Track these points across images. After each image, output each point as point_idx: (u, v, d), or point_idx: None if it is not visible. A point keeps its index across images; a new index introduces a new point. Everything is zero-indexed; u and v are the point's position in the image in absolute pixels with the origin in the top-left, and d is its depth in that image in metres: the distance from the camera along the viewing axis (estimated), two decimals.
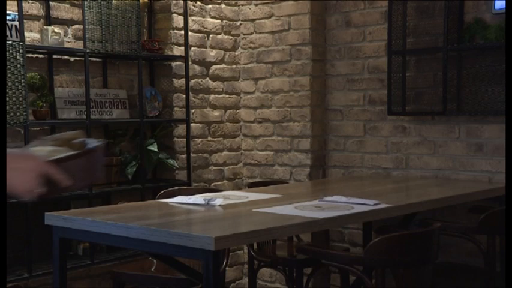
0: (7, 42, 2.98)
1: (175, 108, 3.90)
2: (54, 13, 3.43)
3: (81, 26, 3.43)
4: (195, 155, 4.04)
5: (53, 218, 2.20)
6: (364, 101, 3.88)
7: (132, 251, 3.36)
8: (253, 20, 4.23)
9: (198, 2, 4.03)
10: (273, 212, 2.23)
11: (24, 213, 3.07)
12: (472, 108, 3.37)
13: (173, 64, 3.91)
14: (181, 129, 3.92)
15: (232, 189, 4.02)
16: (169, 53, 3.87)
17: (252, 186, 3.45)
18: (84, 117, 3.40)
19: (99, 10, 3.38)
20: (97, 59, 3.61)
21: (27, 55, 3.20)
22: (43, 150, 1.48)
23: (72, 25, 3.51)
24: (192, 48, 4.00)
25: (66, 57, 3.46)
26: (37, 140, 1.56)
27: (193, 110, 4.00)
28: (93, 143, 1.59)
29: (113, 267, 3.08)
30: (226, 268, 3.39)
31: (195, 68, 4.04)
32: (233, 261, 4.19)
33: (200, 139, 4.09)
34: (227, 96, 4.24)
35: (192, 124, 3.97)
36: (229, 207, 2.41)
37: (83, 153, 1.51)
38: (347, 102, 3.95)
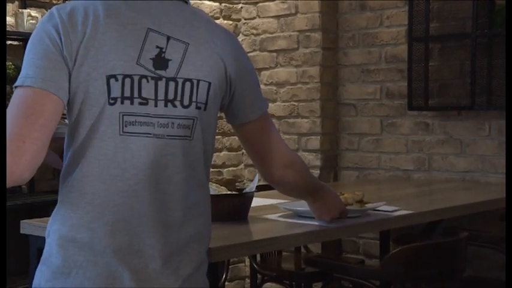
0: None
1: None
2: None
3: None
4: None
5: (30, 226, 2.20)
6: (381, 95, 3.88)
7: None
8: (256, 3, 4.23)
9: None
10: (278, 220, 2.23)
11: None
12: (504, 102, 3.36)
13: None
14: None
15: None
16: None
17: None
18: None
19: None
20: None
21: None
22: (211, 186, 2.14)
23: (51, 8, 3.51)
24: None
25: None
26: None
27: None
28: (251, 187, 2.23)
29: None
30: (226, 283, 3.39)
31: None
32: (233, 275, 4.20)
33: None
34: None
35: None
36: None
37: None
38: (362, 96, 3.94)
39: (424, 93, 3.58)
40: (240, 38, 4.30)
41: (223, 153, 4.23)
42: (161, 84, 1.41)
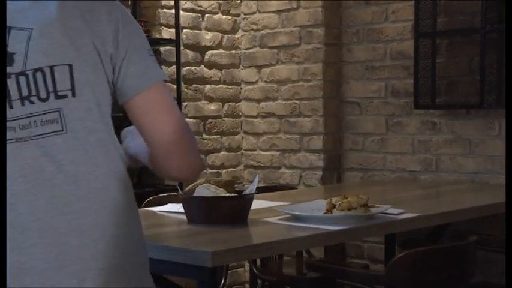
0: None
1: None
2: None
3: None
4: None
5: None
6: (386, 92, 3.88)
7: None
8: None
9: None
10: (279, 223, 2.23)
11: None
12: None
13: (162, 49, 3.91)
14: None
15: None
16: (157, 36, 3.86)
17: None
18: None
19: None
20: None
21: None
22: (209, 187, 2.17)
23: None
24: (184, 30, 4.00)
25: None
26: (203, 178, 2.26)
27: (186, 103, 4.01)
28: (251, 188, 2.20)
29: None
30: None
31: (188, 54, 4.04)
32: (232, 281, 4.20)
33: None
34: (225, 86, 4.25)
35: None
36: None
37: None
38: (366, 94, 3.95)
39: (431, 91, 3.58)
40: (240, 33, 4.30)
41: (222, 153, 4.23)
42: (11, 82, 1.32)
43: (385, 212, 2.32)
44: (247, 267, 4.13)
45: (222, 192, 2.19)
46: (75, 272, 1.31)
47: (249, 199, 2.21)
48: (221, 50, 4.22)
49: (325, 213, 2.23)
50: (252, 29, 4.26)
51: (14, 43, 1.32)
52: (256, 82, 4.27)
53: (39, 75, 1.33)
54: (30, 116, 1.32)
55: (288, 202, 2.64)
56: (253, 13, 4.25)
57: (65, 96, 1.33)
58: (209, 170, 4.17)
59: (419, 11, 3.57)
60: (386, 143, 3.88)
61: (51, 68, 1.32)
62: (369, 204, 2.23)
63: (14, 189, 1.31)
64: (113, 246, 1.35)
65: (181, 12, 3.95)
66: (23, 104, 1.32)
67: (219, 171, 4.22)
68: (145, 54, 1.44)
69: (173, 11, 3.88)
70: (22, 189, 1.31)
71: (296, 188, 3.78)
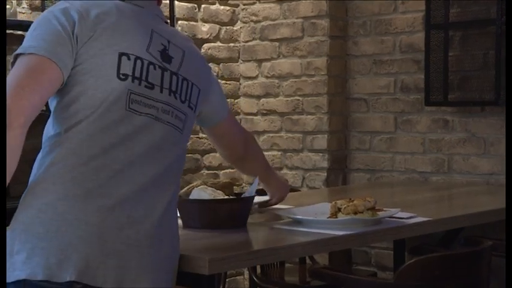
0: None
1: None
2: None
3: None
4: None
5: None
6: (395, 88, 3.88)
7: None
8: None
9: None
10: (281, 227, 2.24)
11: None
12: None
13: None
14: None
15: None
16: None
17: None
18: (44, 108, 3.40)
19: None
20: None
21: None
22: (206, 190, 2.22)
23: None
24: (180, 21, 4.00)
25: (20, 32, 3.47)
26: (199, 180, 2.40)
27: None
28: (250, 191, 2.27)
29: None
30: None
31: None
32: None
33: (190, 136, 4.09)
34: (223, 81, 4.25)
35: None
36: None
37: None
38: (374, 90, 3.95)
39: (443, 87, 3.58)
40: (238, 25, 4.30)
41: (219, 154, 4.22)
42: (166, 74, 1.73)
43: (394, 216, 2.33)
44: (246, 275, 4.13)
45: (219, 195, 2.19)
46: (159, 233, 1.72)
47: (248, 202, 2.21)
48: (219, 43, 4.22)
49: (329, 217, 2.23)
50: (252, 21, 4.26)
51: (173, 52, 1.77)
52: (256, 77, 4.27)
53: (185, 83, 1.78)
54: (171, 106, 1.74)
55: (290, 205, 2.64)
56: (253, 3, 4.25)
57: (191, 108, 1.81)
58: (206, 171, 4.17)
59: (430, 1, 3.58)
60: (395, 142, 3.88)
61: (192, 84, 1.81)
62: (376, 208, 2.23)
63: (137, 152, 1.66)
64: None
65: (176, 3, 3.95)
66: (169, 95, 1.73)
67: (217, 172, 4.22)
68: (220, 87, 2.08)
69: (167, 1, 3.88)
70: (142, 155, 1.67)
71: (299, 190, 3.78)
